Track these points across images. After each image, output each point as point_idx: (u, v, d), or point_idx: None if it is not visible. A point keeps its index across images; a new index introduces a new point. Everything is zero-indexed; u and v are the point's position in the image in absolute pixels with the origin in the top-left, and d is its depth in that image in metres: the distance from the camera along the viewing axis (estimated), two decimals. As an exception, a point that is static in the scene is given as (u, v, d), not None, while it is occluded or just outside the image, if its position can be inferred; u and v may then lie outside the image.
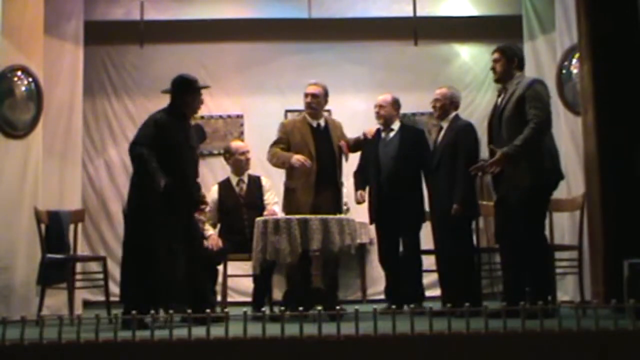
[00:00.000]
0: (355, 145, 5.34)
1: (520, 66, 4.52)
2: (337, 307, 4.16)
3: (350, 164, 5.36)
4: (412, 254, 5.11)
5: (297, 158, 5.01)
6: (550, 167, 4.34)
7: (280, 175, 5.44)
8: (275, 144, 5.22)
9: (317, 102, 5.22)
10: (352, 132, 5.46)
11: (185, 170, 4.44)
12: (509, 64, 4.47)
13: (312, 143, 5.15)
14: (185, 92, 4.54)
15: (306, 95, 5.24)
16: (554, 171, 4.37)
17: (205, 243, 5.20)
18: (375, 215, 5.16)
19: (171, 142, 4.37)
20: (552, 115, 4.39)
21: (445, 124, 5.00)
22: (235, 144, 5.58)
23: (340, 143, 5.24)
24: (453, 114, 5.02)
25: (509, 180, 4.33)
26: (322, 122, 5.27)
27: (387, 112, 5.19)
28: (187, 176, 4.44)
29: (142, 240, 4.25)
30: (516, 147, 4.21)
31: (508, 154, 4.24)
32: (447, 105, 5.00)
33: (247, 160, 5.47)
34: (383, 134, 5.21)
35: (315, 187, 5.08)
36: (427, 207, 5.15)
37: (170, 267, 4.25)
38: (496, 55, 4.52)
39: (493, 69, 4.55)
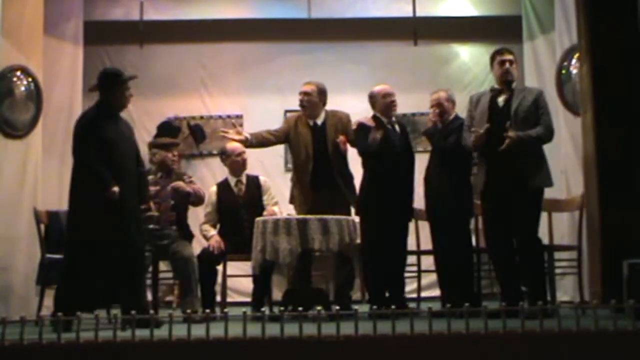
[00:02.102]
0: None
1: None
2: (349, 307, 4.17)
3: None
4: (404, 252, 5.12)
5: (211, 244, 5.11)
6: (548, 172, 4.49)
7: (278, 174, 5.44)
8: (276, 130, 5.29)
9: (308, 100, 5.19)
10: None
11: (122, 165, 4.34)
12: (518, 67, 4.67)
13: (310, 142, 5.15)
14: (111, 86, 4.42)
15: (301, 93, 5.24)
16: (549, 176, 4.51)
17: (207, 244, 5.22)
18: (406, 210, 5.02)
19: (103, 138, 4.28)
20: None
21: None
22: (231, 146, 5.56)
23: (339, 139, 5.16)
24: (452, 115, 5.03)
25: (509, 184, 4.37)
26: (319, 121, 5.24)
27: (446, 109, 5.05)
28: (124, 171, 4.34)
29: (79, 239, 4.21)
30: (530, 136, 4.39)
31: (522, 139, 4.35)
32: (449, 107, 5.02)
33: (244, 161, 5.46)
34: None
35: (311, 186, 5.09)
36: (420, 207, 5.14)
37: (99, 266, 4.17)
38: (511, 57, 4.61)
39: (508, 71, 4.56)
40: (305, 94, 5.20)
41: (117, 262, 4.18)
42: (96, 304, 4.08)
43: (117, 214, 4.20)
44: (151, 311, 3.78)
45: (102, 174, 4.20)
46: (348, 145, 5.19)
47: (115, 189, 4.17)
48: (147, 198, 4.67)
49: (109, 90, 4.42)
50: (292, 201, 5.34)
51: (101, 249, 4.15)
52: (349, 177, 5.25)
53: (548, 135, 4.48)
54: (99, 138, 4.26)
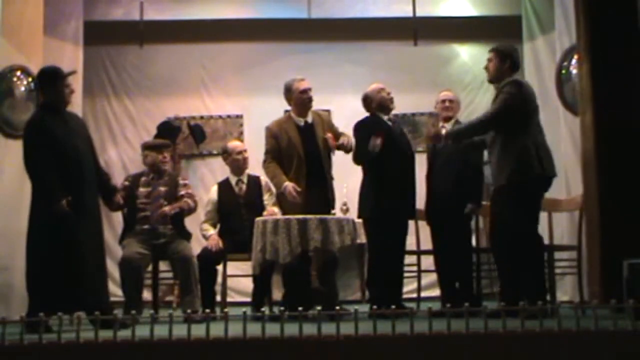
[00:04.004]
0: (341, 146, 5.09)
1: (514, 68, 4.54)
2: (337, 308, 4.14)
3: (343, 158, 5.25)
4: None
5: (289, 190, 4.86)
6: (536, 165, 4.31)
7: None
8: (268, 153, 5.06)
9: (311, 96, 5.12)
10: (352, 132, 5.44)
11: (79, 163, 4.28)
12: (501, 64, 4.52)
13: (300, 145, 5.00)
14: (52, 83, 4.35)
15: (305, 90, 5.06)
16: (540, 169, 4.33)
17: (206, 243, 5.23)
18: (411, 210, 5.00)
19: (54, 140, 4.21)
20: (511, 115, 4.34)
21: (449, 126, 5.02)
22: (232, 144, 5.58)
23: (327, 135, 5.06)
24: (455, 117, 5.07)
25: (497, 181, 4.40)
26: (309, 119, 5.12)
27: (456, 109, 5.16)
28: (82, 169, 4.29)
29: (48, 242, 4.15)
30: (458, 129, 4.61)
31: (449, 134, 4.58)
32: (457, 107, 5.08)
33: (245, 159, 5.46)
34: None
35: (306, 188, 4.93)
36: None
37: (74, 266, 4.14)
38: (490, 55, 4.60)
39: (486, 68, 4.62)
40: (310, 89, 5.09)
41: (78, 264, 4.14)
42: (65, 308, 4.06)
43: (76, 218, 4.16)
44: (116, 311, 3.79)
45: (51, 187, 4.13)
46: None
47: (63, 201, 4.10)
48: (113, 193, 4.66)
49: (50, 89, 4.35)
50: (280, 203, 5.14)
51: (62, 253, 4.11)
52: (332, 178, 5.17)
53: (480, 123, 4.46)
54: (51, 140, 4.20)
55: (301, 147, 5.00)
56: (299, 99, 5.07)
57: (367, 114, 5.10)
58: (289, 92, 5.10)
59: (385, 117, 5.02)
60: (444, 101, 5.07)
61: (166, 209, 5.09)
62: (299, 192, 4.86)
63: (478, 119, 4.53)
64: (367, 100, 5.08)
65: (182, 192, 5.26)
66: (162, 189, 5.21)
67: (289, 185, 4.87)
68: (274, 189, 5.19)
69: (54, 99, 4.36)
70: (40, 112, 4.40)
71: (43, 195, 4.18)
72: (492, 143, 4.49)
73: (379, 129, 4.86)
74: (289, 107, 5.21)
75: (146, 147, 5.46)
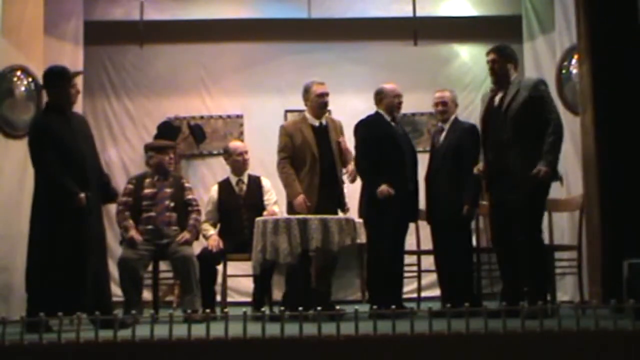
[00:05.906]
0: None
1: (516, 66, 4.56)
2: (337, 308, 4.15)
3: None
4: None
5: (299, 203, 4.96)
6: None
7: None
8: (282, 152, 5.15)
9: (327, 101, 5.22)
10: (352, 132, 5.45)
11: (84, 164, 4.27)
12: (506, 63, 4.51)
13: (314, 144, 5.11)
14: (58, 84, 4.29)
15: (323, 94, 5.16)
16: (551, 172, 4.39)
17: (205, 243, 5.23)
18: (413, 211, 5.03)
19: (60, 142, 4.18)
20: None
21: (446, 126, 5.01)
22: (234, 145, 5.59)
23: (340, 139, 5.22)
24: (453, 115, 5.05)
25: (508, 183, 4.36)
26: (324, 121, 5.24)
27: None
28: (87, 170, 4.28)
29: (49, 243, 4.13)
30: (549, 156, 4.30)
31: (548, 167, 4.29)
32: (452, 107, 5.05)
33: (245, 160, 5.47)
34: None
35: (319, 189, 5.04)
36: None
37: (79, 268, 4.14)
38: (493, 56, 4.56)
39: (492, 69, 4.57)
40: (327, 94, 5.19)
41: (84, 265, 4.14)
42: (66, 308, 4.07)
43: (83, 218, 4.15)
44: (116, 311, 3.81)
45: (66, 184, 4.11)
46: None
47: (82, 195, 4.11)
48: (113, 196, 4.66)
49: (57, 89, 4.30)
50: (289, 206, 5.17)
51: (69, 255, 4.11)
52: (343, 182, 5.25)
53: (559, 135, 4.38)
54: (56, 142, 4.17)
55: (315, 147, 5.10)
56: (315, 102, 5.19)
57: (366, 113, 5.11)
58: (307, 93, 5.21)
59: (389, 117, 5.02)
60: (436, 104, 5.08)
61: (187, 237, 5.09)
62: (309, 206, 4.95)
63: (553, 136, 4.33)
64: (379, 95, 5.07)
65: (189, 197, 5.30)
66: (168, 190, 5.23)
67: (300, 198, 4.97)
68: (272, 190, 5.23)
69: (60, 100, 4.32)
70: (44, 113, 4.38)
71: (59, 193, 4.13)
72: (507, 143, 4.40)
73: (379, 129, 4.90)
74: (289, 107, 5.30)
75: (151, 148, 5.46)
